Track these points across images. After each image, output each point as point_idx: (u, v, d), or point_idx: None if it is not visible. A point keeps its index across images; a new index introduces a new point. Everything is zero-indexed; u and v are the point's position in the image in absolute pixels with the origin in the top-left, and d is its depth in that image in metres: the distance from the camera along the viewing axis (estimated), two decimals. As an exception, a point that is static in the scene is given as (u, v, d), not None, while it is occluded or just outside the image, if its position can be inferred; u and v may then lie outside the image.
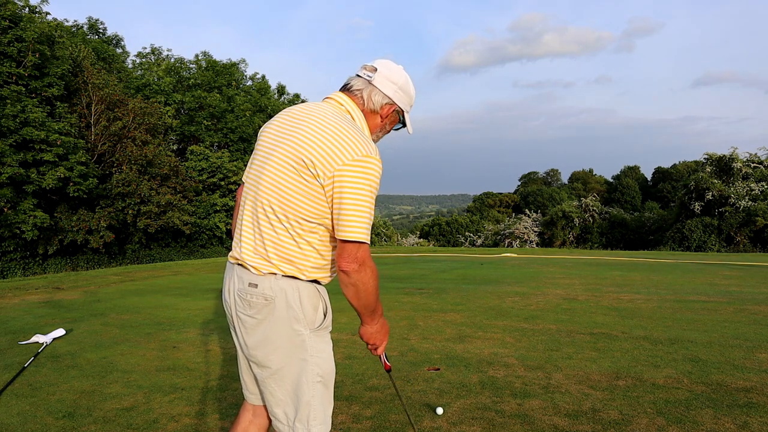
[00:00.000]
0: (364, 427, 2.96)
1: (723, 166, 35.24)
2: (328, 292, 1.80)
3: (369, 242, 1.63)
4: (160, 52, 34.01)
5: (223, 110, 31.15)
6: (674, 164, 62.61)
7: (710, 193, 33.49)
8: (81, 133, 21.19)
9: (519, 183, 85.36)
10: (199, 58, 33.30)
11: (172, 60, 32.96)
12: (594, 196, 48.94)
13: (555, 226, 43.14)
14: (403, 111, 1.87)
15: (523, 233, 44.79)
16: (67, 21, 28.87)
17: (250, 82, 36.36)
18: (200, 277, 11.59)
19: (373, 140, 1.83)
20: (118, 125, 22.10)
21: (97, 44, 28.44)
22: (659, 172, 64.45)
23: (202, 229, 27.30)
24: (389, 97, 1.81)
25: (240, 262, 1.75)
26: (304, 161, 1.63)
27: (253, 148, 1.87)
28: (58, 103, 20.10)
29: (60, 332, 5.34)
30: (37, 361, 4.37)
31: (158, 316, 6.42)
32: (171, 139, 30.71)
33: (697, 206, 34.11)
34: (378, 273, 1.68)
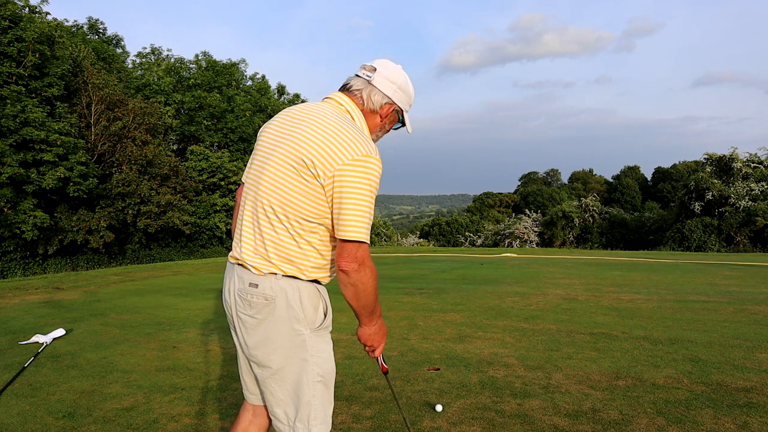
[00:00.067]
0: (364, 427, 2.96)
1: (723, 166, 35.25)
2: (328, 292, 1.80)
3: (369, 242, 1.64)
4: (160, 52, 34.03)
5: (223, 110, 31.16)
6: (674, 164, 62.63)
7: (710, 193, 33.49)
8: (81, 133, 21.20)
9: (519, 183, 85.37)
10: (199, 58, 33.32)
11: (172, 60, 32.97)
12: (594, 196, 48.94)
13: (555, 226, 43.14)
14: (402, 110, 1.88)
15: (523, 233, 44.79)
16: (67, 21, 28.93)
17: (250, 82, 36.37)
18: (200, 277, 11.59)
19: (373, 140, 1.83)
20: (118, 125, 22.10)
21: (97, 44, 28.45)
22: (659, 172, 64.46)
23: (202, 229, 27.31)
24: (389, 97, 1.82)
25: (240, 262, 1.75)
26: (304, 161, 1.63)
27: (253, 149, 1.88)
28: (58, 103, 20.10)
29: (60, 332, 5.34)
30: (37, 361, 4.37)
31: (158, 316, 6.42)
32: (171, 139, 30.72)
33: (697, 206, 34.12)
34: (377, 273, 1.68)
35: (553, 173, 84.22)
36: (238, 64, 34.69)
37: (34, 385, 3.77)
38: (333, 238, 1.69)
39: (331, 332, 1.81)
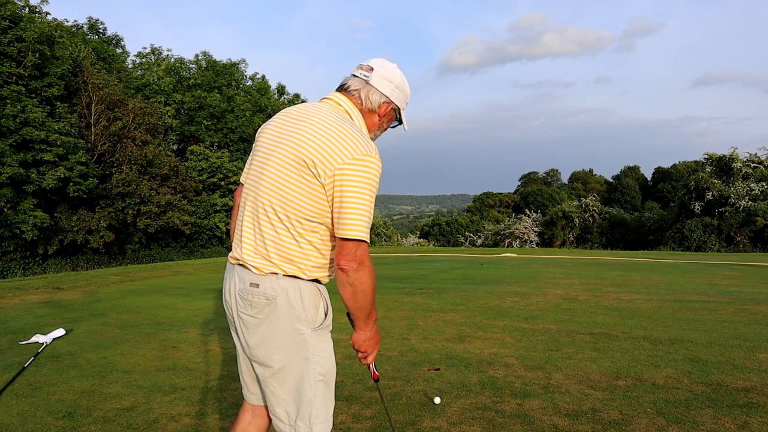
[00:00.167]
0: (364, 427, 2.96)
1: (723, 166, 35.25)
2: (328, 292, 1.81)
3: (368, 241, 1.64)
4: (160, 52, 34.02)
5: (223, 110, 31.16)
6: (674, 164, 62.64)
7: (710, 193, 33.49)
8: (81, 133, 21.19)
9: (519, 183, 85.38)
10: (199, 58, 33.32)
11: (172, 60, 32.97)
12: (594, 196, 48.94)
13: (555, 226, 43.14)
14: (399, 108, 1.89)
15: (523, 233, 44.79)
16: (67, 21, 28.92)
17: (250, 82, 36.37)
18: (200, 277, 11.59)
19: (372, 138, 1.85)
20: (118, 125, 22.10)
21: (97, 44, 28.44)
22: (659, 172, 64.46)
23: (202, 229, 27.31)
24: (386, 96, 1.83)
25: (241, 263, 1.75)
26: (305, 161, 1.64)
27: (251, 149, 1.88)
28: (58, 103, 20.10)
29: (60, 332, 5.34)
30: (37, 361, 4.37)
31: (158, 316, 6.42)
32: (171, 139, 30.71)
33: (697, 206, 34.12)
34: (375, 275, 1.68)
35: (553, 173, 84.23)
36: (238, 64, 34.72)
37: (34, 385, 3.77)
38: (333, 238, 1.69)
39: (331, 332, 1.82)
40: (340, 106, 1.80)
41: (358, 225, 1.60)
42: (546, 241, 43.13)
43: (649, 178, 66.70)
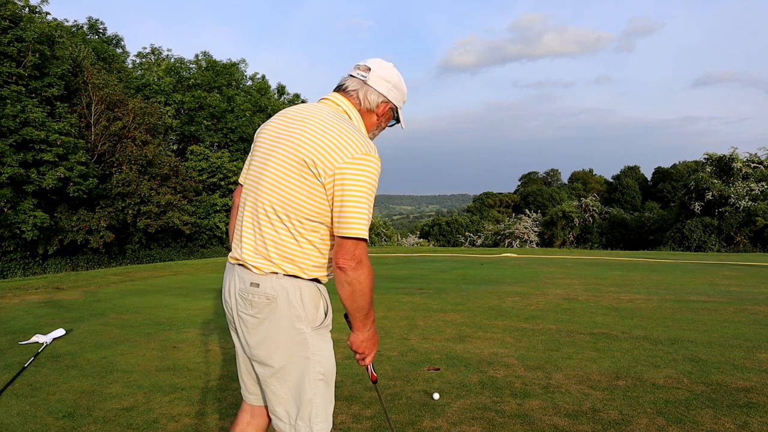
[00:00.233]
0: (364, 427, 2.96)
1: (723, 166, 35.25)
2: (328, 292, 1.81)
3: (367, 240, 1.64)
4: (160, 52, 34.02)
5: (223, 110, 31.16)
6: (674, 164, 62.64)
7: (710, 193, 33.49)
8: (81, 133, 21.20)
9: (519, 183, 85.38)
10: (199, 58, 33.32)
11: (172, 60, 32.97)
12: (594, 196, 48.94)
13: (555, 226, 43.14)
14: (397, 107, 1.91)
15: (523, 233, 44.79)
16: (67, 21, 28.91)
17: (250, 82, 36.37)
18: (200, 277, 11.59)
19: (370, 138, 1.86)
20: (118, 125, 22.10)
21: (97, 44, 28.44)
22: (659, 172, 64.46)
23: (202, 229, 27.31)
24: (384, 96, 1.85)
25: (241, 263, 1.76)
26: (305, 161, 1.64)
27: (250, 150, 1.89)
28: (58, 103, 20.10)
29: (60, 332, 5.34)
30: (37, 361, 4.37)
31: (158, 316, 6.42)
32: (171, 139, 30.71)
33: (697, 206, 34.12)
34: (373, 275, 1.68)
35: (553, 173, 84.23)
36: (238, 64, 34.72)
37: (34, 385, 3.77)
38: (333, 237, 1.70)
39: (331, 332, 1.82)
40: (339, 106, 1.81)
41: (357, 223, 1.60)
42: (546, 241, 43.13)
43: (649, 178, 66.71)
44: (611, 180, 67.87)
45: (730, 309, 6.30)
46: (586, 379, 3.68)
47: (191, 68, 33.09)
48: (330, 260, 1.75)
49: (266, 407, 1.88)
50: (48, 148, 18.47)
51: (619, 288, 8.47)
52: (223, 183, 28.35)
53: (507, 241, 44.60)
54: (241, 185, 1.87)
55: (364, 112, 1.85)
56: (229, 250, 1.86)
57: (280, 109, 1.98)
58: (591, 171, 76.41)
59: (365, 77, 1.83)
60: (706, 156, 36.85)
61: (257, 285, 1.69)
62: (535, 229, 44.98)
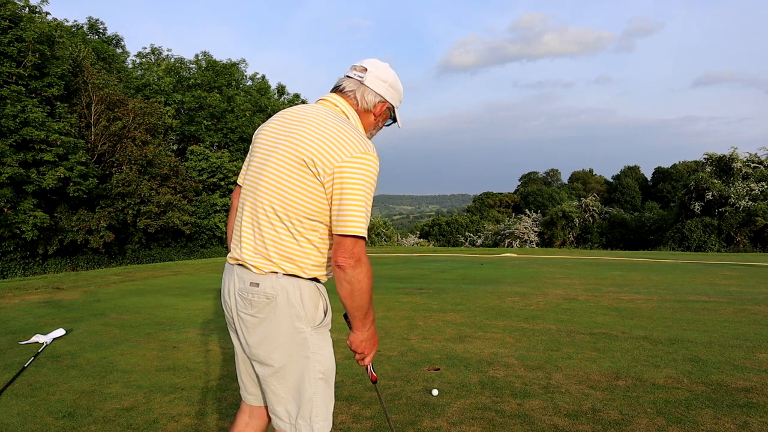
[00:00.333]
0: (364, 427, 2.96)
1: (723, 166, 35.25)
2: (327, 291, 1.81)
3: (366, 239, 1.64)
4: (160, 52, 34.01)
5: (223, 110, 31.16)
6: (674, 164, 62.64)
7: (710, 193, 33.49)
8: (81, 133, 21.19)
9: (519, 183, 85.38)
10: (199, 58, 33.30)
11: (172, 60, 32.95)
12: (594, 196, 48.94)
13: (555, 226, 43.14)
14: (393, 107, 1.92)
15: (523, 233, 44.79)
16: (67, 21, 28.89)
17: (250, 82, 36.36)
18: (200, 277, 11.59)
19: (368, 137, 1.87)
20: (118, 125, 22.10)
21: (97, 44, 28.43)
22: (659, 172, 64.46)
23: (202, 229, 27.31)
24: (381, 96, 1.86)
25: (240, 263, 1.76)
26: (304, 160, 1.65)
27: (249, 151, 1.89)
28: (58, 103, 20.09)
29: (60, 332, 5.34)
30: (37, 361, 4.37)
31: (158, 316, 6.42)
32: (171, 139, 30.70)
33: (697, 206, 34.12)
34: (372, 274, 1.69)
35: (553, 173, 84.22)
36: (238, 64, 34.69)
37: (34, 385, 3.77)
38: (333, 236, 1.70)
39: (330, 331, 1.82)
40: (337, 106, 1.83)
41: (356, 221, 1.61)
42: (546, 241, 43.13)
43: (649, 178, 66.70)
44: (611, 180, 67.88)
45: (730, 309, 6.30)
46: (586, 379, 3.69)
47: (191, 68, 33.09)
48: (329, 260, 1.75)
49: (266, 408, 1.88)
50: (48, 148, 18.46)
51: (619, 288, 8.47)
52: (223, 183, 28.35)
53: (507, 241, 44.61)
54: (240, 187, 1.88)
55: (362, 112, 1.86)
56: (229, 250, 1.86)
57: (279, 109, 1.98)
58: (591, 171, 76.41)
59: (362, 78, 1.84)
60: (706, 156, 36.86)
61: (257, 284, 1.69)
62: (535, 229, 44.98)
